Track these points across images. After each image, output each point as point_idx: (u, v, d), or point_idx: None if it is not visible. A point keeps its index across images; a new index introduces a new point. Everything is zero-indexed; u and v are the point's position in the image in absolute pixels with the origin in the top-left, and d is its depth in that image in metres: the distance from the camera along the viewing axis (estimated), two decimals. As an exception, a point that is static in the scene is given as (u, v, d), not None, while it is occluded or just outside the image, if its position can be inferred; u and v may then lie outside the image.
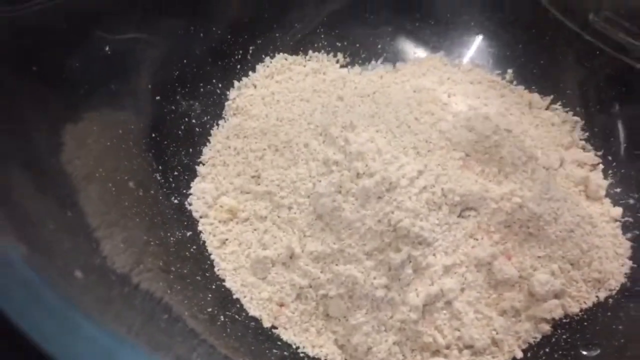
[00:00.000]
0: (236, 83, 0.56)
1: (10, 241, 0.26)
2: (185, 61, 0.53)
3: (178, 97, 0.52)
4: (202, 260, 0.46)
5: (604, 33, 0.55)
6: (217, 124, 0.54)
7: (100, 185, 0.41)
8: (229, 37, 0.56)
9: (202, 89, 0.54)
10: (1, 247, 0.24)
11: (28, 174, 0.34)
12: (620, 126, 0.52)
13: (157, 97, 0.50)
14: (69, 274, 0.27)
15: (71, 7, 0.44)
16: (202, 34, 0.53)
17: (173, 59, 0.52)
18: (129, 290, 0.36)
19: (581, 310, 0.44)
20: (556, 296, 0.44)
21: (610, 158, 0.51)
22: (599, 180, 0.50)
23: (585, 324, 0.44)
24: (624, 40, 0.55)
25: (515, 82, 0.57)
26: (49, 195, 0.34)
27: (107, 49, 0.46)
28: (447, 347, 0.43)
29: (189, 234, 0.47)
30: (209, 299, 0.43)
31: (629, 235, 0.47)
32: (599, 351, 0.41)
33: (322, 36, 0.60)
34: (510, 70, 0.58)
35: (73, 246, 0.32)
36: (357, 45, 0.60)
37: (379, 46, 0.60)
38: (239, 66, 0.57)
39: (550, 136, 0.53)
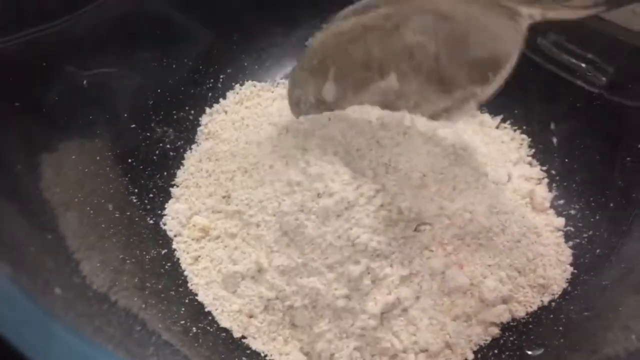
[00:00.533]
0: (207, 109, 0.60)
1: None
2: (159, 90, 0.56)
3: (153, 124, 0.56)
4: (176, 276, 0.49)
5: (551, 56, 0.59)
6: (190, 148, 0.58)
7: (78, 210, 0.44)
8: (200, 67, 0.60)
9: (175, 116, 0.58)
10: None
11: (11, 202, 0.37)
12: (561, 143, 0.56)
13: (133, 125, 0.54)
14: (50, 291, 0.31)
15: (48, 42, 0.47)
16: (174, 65, 0.57)
17: (148, 89, 0.56)
18: (107, 306, 0.40)
19: (527, 314, 0.48)
20: (504, 301, 0.48)
21: (554, 172, 0.55)
22: (543, 193, 0.54)
23: (530, 326, 0.47)
24: (570, 62, 0.59)
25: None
26: (30, 221, 0.37)
27: (84, 82, 0.49)
28: (404, 351, 0.46)
29: (163, 252, 0.50)
30: (182, 312, 0.46)
31: (570, 243, 0.51)
32: (542, 350, 0.45)
33: (288, 63, 0.63)
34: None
35: (54, 266, 0.35)
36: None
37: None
38: (210, 94, 0.60)
39: (499, 153, 0.57)
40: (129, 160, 0.53)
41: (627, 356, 0.38)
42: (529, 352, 0.45)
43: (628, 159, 0.50)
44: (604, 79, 0.57)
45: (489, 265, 0.49)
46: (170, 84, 0.57)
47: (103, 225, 0.46)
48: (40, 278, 0.32)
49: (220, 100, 0.61)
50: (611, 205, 0.51)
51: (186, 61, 0.58)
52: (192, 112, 0.59)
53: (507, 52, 0.48)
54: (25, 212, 0.38)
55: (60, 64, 0.49)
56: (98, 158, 0.49)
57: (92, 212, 0.45)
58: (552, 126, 0.56)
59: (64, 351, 0.24)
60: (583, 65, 0.58)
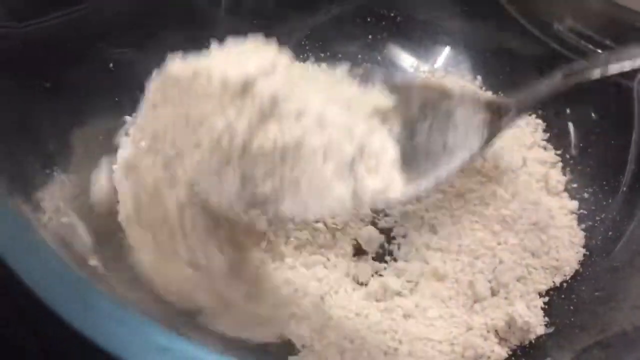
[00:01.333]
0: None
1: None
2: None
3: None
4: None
5: (567, 41, 0.60)
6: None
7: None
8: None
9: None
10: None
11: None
12: (576, 128, 0.57)
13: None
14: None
15: (77, 24, 0.49)
16: (197, 47, 0.58)
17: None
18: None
19: (539, 294, 0.49)
20: (518, 281, 0.49)
21: (568, 156, 0.57)
22: (558, 177, 0.55)
23: (543, 306, 0.49)
24: (587, 48, 0.59)
25: (484, 88, 0.62)
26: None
27: (110, 65, 0.51)
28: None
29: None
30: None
31: (583, 225, 0.53)
32: (552, 329, 0.46)
33: (307, 47, 0.64)
34: (479, 77, 0.63)
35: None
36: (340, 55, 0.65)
37: (359, 56, 0.65)
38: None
39: (514, 138, 0.58)
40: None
41: (633, 330, 0.40)
42: (541, 332, 0.47)
43: (641, 143, 0.51)
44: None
45: (506, 247, 0.50)
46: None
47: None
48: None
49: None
50: (624, 189, 0.52)
51: (206, 44, 0.59)
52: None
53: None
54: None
55: (88, 46, 0.50)
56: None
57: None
58: (568, 111, 0.57)
59: (99, 317, 0.26)
60: (599, 50, 0.58)
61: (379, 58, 0.65)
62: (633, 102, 0.52)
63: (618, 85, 0.54)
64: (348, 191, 0.37)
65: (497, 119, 0.48)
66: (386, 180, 0.38)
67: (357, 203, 0.37)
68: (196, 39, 0.58)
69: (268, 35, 0.62)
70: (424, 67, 0.65)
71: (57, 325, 0.26)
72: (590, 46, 0.59)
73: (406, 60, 0.65)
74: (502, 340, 0.47)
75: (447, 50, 0.65)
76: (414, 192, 0.43)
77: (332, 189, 0.36)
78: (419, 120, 0.47)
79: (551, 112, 0.59)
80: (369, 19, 0.65)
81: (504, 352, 0.46)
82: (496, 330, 0.47)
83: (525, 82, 0.58)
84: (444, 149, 0.46)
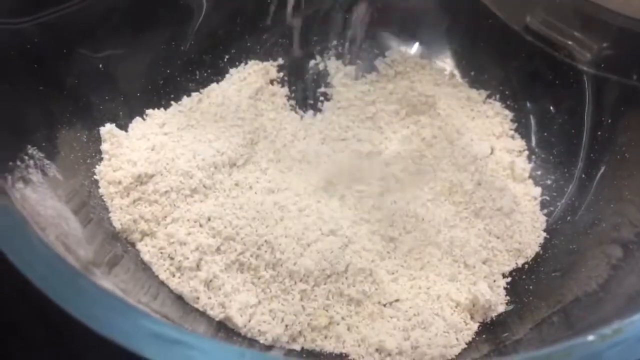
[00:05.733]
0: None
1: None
2: (168, 71, 0.61)
3: (163, 102, 0.60)
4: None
5: (539, 33, 0.63)
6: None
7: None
8: (207, 47, 0.64)
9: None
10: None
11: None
12: (540, 118, 0.61)
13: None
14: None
15: (65, 23, 0.51)
16: (182, 47, 0.62)
17: (158, 70, 0.60)
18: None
19: (503, 275, 0.53)
20: (483, 263, 0.53)
21: (533, 145, 0.60)
22: (523, 164, 0.59)
23: (505, 286, 0.52)
24: (557, 39, 0.62)
25: (458, 77, 0.66)
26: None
27: (100, 65, 0.54)
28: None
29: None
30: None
31: (545, 211, 0.56)
32: (512, 306, 0.50)
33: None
34: (448, 68, 0.66)
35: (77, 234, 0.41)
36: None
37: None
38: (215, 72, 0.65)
39: (484, 127, 0.61)
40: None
41: (585, 296, 0.44)
42: (502, 310, 0.50)
43: (599, 133, 0.55)
44: (588, 55, 0.61)
45: (473, 231, 0.54)
46: (179, 64, 0.62)
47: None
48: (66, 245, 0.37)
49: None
50: (583, 175, 0.55)
51: (193, 43, 0.62)
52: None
53: None
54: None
55: (77, 46, 0.53)
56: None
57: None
58: (529, 105, 0.61)
59: (89, 300, 0.30)
60: (569, 42, 0.61)
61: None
62: (585, 96, 0.56)
63: (573, 78, 0.57)
64: None
65: None
66: None
67: None
68: (182, 37, 0.62)
69: (250, 30, 0.66)
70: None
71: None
72: (560, 38, 0.62)
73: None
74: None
75: (421, 41, 0.68)
76: None
77: None
78: None
79: (514, 105, 0.62)
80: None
81: (475, 326, 0.50)
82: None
83: (494, 73, 0.62)
84: None
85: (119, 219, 0.50)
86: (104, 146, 0.53)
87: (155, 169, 0.52)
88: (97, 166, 0.51)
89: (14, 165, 0.38)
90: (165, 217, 0.51)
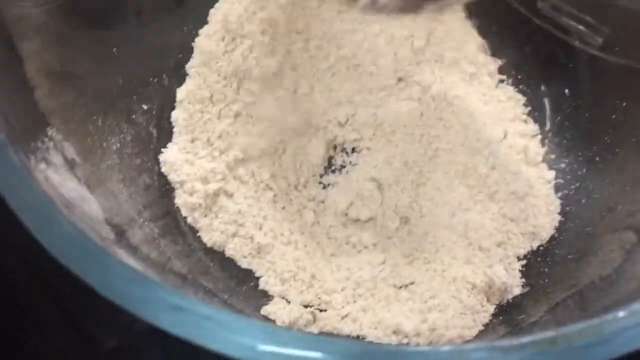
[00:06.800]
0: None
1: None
2: (180, 55, 0.61)
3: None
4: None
5: (550, 18, 0.63)
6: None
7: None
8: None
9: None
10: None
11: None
12: (553, 102, 0.60)
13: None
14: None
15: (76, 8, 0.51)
16: (193, 31, 0.61)
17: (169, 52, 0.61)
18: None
19: (517, 258, 0.53)
20: (498, 246, 0.53)
21: (546, 129, 0.60)
22: (536, 148, 0.59)
23: (521, 269, 0.53)
24: (568, 24, 0.62)
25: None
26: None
27: (114, 50, 0.54)
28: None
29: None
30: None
31: (559, 194, 0.56)
32: (528, 289, 0.51)
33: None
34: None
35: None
36: None
37: None
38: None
39: (496, 111, 0.61)
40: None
41: (600, 280, 0.44)
42: (517, 292, 0.51)
43: (613, 116, 0.55)
44: (599, 39, 0.61)
45: (487, 214, 0.54)
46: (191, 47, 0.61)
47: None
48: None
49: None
50: (597, 159, 0.55)
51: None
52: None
53: None
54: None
55: (89, 29, 0.53)
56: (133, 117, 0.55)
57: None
58: (543, 88, 0.61)
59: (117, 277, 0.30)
60: (580, 27, 0.61)
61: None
62: (600, 79, 0.56)
63: (587, 62, 0.57)
64: None
65: None
66: None
67: None
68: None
69: None
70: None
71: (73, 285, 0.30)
72: (572, 22, 0.62)
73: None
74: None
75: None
76: None
77: None
78: None
79: (527, 89, 0.62)
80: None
81: (491, 308, 0.50)
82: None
83: (506, 57, 0.62)
84: None
85: None
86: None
87: None
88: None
89: (36, 146, 0.38)
90: None
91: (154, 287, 0.30)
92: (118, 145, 0.52)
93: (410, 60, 0.61)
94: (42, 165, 0.37)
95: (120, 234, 0.40)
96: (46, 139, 0.40)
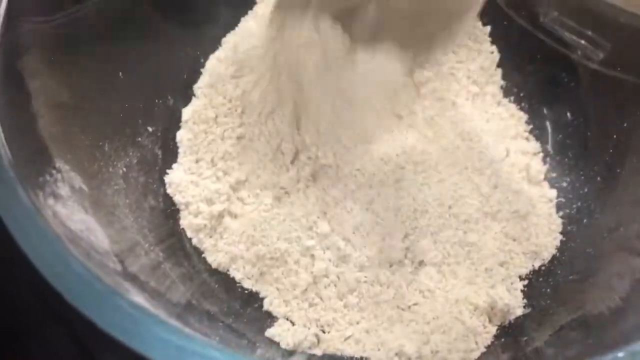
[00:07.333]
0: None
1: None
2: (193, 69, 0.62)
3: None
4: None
5: (553, 33, 0.63)
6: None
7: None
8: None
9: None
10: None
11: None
12: (551, 126, 0.61)
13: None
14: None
15: (85, 23, 0.51)
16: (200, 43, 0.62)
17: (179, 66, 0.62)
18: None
19: (519, 278, 0.54)
20: (500, 265, 0.54)
21: (548, 147, 0.60)
22: (538, 166, 0.59)
23: (522, 289, 0.53)
24: (570, 38, 0.62)
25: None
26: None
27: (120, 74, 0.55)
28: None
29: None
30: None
31: (561, 213, 0.56)
32: (530, 309, 0.51)
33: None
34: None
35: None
36: None
37: None
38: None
39: (498, 129, 0.61)
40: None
41: (609, 312, 0.44)
42: (519, 313, 0.51)
43: (615, 135, 0.55)
44: (601, 54, 0.61)
45: (490, 234, 0.55)
46: (202, 62, 0.63)
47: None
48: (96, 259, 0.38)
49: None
50: (598, 179, 0.56)
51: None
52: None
53: None
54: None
55: (97, 43, 0.53)
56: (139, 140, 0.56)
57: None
58: (545, 111, 0.61)
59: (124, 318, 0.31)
60: (582, 41, 0.61)
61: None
62: (601, 98, 0.56)
63: (589, 80, 0.58)
64: None
65: None
66: None
67: None
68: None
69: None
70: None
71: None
72: (574, 37, 0.62)
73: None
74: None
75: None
76: None
77: None
78: None
79: (528, 107, 0.62)
80: None
81: (493, 329, 0.50)
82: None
83: (508, 75, 0.62)
84: None
85: None
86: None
87: None
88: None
89: (44, 180, 0.39)
90: None
91: (159, 328, 0.30)
92: (124, 169, 0.52)
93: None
94: (51, 201, 0.38)
95: (126, 263, 0.41)
96: (54, 171, 0.41)
